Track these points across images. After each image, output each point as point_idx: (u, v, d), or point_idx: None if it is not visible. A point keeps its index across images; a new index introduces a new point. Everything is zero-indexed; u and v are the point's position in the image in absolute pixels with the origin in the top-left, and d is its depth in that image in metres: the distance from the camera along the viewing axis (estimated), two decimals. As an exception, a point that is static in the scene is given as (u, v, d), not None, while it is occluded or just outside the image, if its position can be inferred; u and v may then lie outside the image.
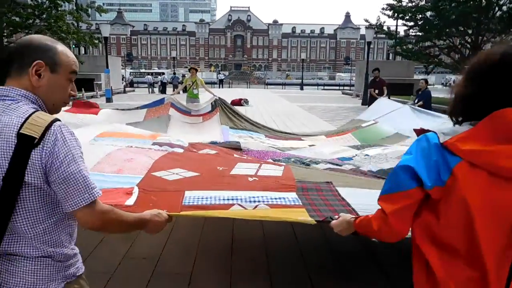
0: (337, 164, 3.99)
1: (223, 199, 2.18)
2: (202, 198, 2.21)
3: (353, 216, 1.42)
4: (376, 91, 11.43)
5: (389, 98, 10.77)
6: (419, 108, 7.76)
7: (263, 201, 2.19)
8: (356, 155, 4.42)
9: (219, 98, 8.59)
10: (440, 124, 7.89)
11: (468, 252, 1.02)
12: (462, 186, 1.00)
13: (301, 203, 2.22)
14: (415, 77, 32.95)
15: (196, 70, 10.02)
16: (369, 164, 3.92)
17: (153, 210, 1.59)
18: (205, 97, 9.11)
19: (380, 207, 1.14)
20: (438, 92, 34.60)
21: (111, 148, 2.96)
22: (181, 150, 3.48)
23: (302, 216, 2.03)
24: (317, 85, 50.75)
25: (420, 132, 1.14)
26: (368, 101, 12.48)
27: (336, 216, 1.56)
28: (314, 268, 3.02)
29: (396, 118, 7.65)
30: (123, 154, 2.79)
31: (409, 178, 1.06)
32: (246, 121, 8.36)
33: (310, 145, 6.92)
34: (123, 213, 1.38)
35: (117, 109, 8.68)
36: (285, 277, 2.92)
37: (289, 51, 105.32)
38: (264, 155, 4.46)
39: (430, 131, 1.10)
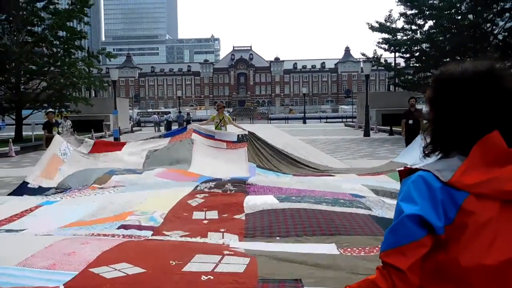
0: (347, 203, 3.75)
1: None
2: None
3: None
4: (410, 121, 10.00)
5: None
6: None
7: None
8: (372, 196, 4.21)
9: (249, 132, 8.40)
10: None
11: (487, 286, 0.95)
12: (476, 219, 0.95)
13: None
14: (417, 106, 33.34)
15: (224, 107, 9.71)
16: (382, 208, 3.69)
17: None
18: (234, 132, 8.93)
19: (385, 265, 1.00)
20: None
21: (53, 239, 2.67)
22: (149, 233, 3.13)
23: None
24: (320, 118, 51.02)
25: (405, 172, 1.06)
26: (404, 133, 10.59)
27: None
28: None
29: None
30: (64, 247, 2.47)
31: (418, 226, 0.97)
32: (275, 157, 8.01)
33: None
34: None
35: (141, 139, 8.94)
36: None
37: (291, 86, 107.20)
38: (268, 190, 4.30)
39: (418, 169, 1.03)
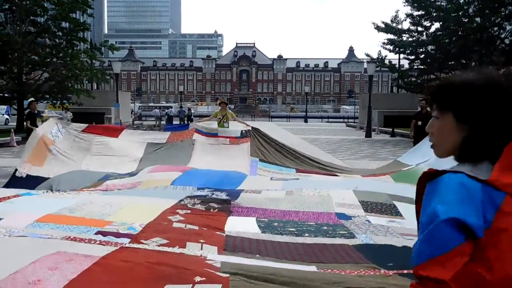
0: (330, 230, 3.68)
1: None
2: None
3: None
4: (420, 123, 9.85)
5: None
6: None
7: None
8: (358, 216, 4.14)
9: (252, 128, 8.38)
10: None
11: None
12: None
13: None
14: (419, 109, 33.25)
15: (226, 104, 9.61)
16: (365, 232, 3.63)
17: None
18: (237, 128, 8.88)
19: (422, 279, 0.91)
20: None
21: (23, 263, 2.50)
22: (126, 241, 3.07)
23: None
24: (321, 117, 51.01)
25: (429, 174, 1.00)
26: (413, 134, 10.40)
27: None
28: None
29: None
30: (30, 274, 2.34)
31: (457, 231, 0.89)
32: (279, 152, 7.99)
33: None
34: None
35: (139, 128, 8.77)
36: None
37: (293, 85, 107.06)
38: (252, 212, 4.20)
39: (445, 171, 0.97)
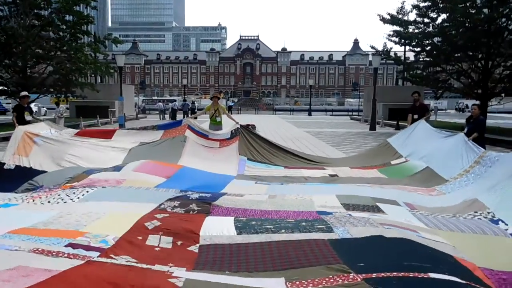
0: (308, 226, 3.69)
1: None
2: None
3: None
4: (415, 117, 9.78)
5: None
6: (471, 142, 6.62)
7: None
8: (340, 212, 4.18)
9: (240, 126, 8.47)
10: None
11: None
12: None
13: None
14: (425, 102, 33.01)
15: (218, 98, 9.65)
16: (344, 224, 3.65)
17: None
18: (227, 124, 9.01)
19: None
20: (451, 117, 34.55)
21: None
22: (96, 254, 3.05)
23: None
24: (326, 110, 50.84)
25: None
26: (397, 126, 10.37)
27: None
28: None
29: (433, 149, 7.03)
30: None
31: None
32: (267, 150, 8.07)
33: (331, 175, 6.80)
34: None
35: (133, 129, 8.85)
36: None
37: (297, 78, 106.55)
38: (231, 212, 4.21)
39: None
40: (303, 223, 3.78)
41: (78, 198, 4.67)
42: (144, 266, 2.94)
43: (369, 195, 4.92)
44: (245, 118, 27.64)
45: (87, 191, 4.83)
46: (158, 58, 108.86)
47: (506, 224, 4.15)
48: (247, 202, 4.61)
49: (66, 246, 3.17)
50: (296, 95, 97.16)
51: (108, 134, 8.07)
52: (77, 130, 8.13)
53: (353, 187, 5.66)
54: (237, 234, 3.60)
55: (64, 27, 21.94)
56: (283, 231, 3.57)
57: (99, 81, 32.91)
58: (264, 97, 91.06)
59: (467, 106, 44.80)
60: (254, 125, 20.15)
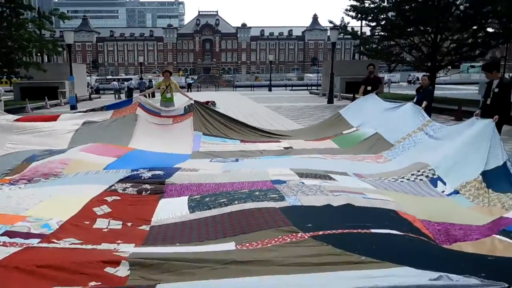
0: (261, 195, 3.71)
1: None
2: None
3: None
4: (369, 88, 9.86)
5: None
6: (421, 110, 6.84)
7: None
8: (293, 180, 4.28)
9: (194, 101, 8.26)
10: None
11: None
12: None
13: None
14: (380, 75, 33.89)
15: (170, 73, 9.36)
16: (296, 194, 3.75)
17: None
18: (180, 100, 8.79)
19: None
20: (402, 89, 35.86)
21: None
22: (35, 241, 2.85)
23: None
24: (286, 86, 51.20)
25: None
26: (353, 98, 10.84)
27: None
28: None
29: (382, 118, 7.29)
30: None
31: None
32: (223, 124, 8.00)
33: (285, 147, 6.94)
34: None
35: (80, 111, 8.43)
36: None
37: (258, 54, 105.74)
38: (186, 189, 4.11)
39: None
40: (257, 193, 3.82)
41: (20, 188, 4.35)
42: (90, 246, 2.77)
43: (321, 168, 5.05)
44: (205, 95, 27.27)
45: (25, 186, 4.47)
46: (112, 35, 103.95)
47: (444, 184, 4.54)
48: (202, 176, 4.53)
49: (2, 235, 2.91)
50: (256, 71, 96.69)
51: (52, 118, 7.65)
52: (18, 116, 7.64)
53: (307, 160, 5.76)
54: (190, 213, 3.53)
55: (3, 0, 20.27)
56: (236, 202, 3.59)
57: (46, 60, 30.94)
58: (225, 73, 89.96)
59: (418, 79, 46.55)
60: (214, 102, 20.06)
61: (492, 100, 6.30)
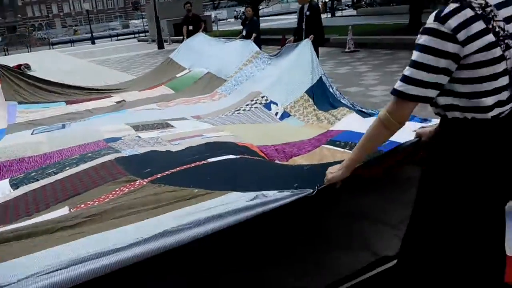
0: (95, 154, 3.47)
1: None
2: None
3: None
4: (191, 27, 9.87)
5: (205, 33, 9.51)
6: (251, 42, 6.99)
7: None
8: (129, 135, 4.09)
9: (0, 65, 7.08)
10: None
11: None
12: None
13: None
14: (206, 13, 33.87)
15: None
16: (133, 147, 3.60)
17: None
18: None
19: None
20: (231, 25, 36.85)
21: None
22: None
23: None
24: (110, 36, 47.54)
25: None
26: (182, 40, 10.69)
27: None
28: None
29: (213, 56, 7.34)
30: None
31: None
32: (40, 88, 7.13)
33: (117, 101, 6.59)
34: None
35: None
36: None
37: (70, 4, 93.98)
38: (4, 171, 3.59)
39: None
40: (89, 154, 3.53)
41: None
42: None
43: (157, 118, 4.93)
44: (16, 59, 23.56)
45: None
46: None
47: (276, 105, 4.94)
48: (22, 147, 3.98)
49: None
50: (74, 24, 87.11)
51: None
52: None
53: (142, 112, 5.56)
54: (14, 189, 3.07)
55: None
56: (67, 168, 3.26)
57: None
58: (36, 31, 79.13)
59: (243, 13, 48.60)
60: (27, 65, 17.23)
61: (306, 24, 7.03)
